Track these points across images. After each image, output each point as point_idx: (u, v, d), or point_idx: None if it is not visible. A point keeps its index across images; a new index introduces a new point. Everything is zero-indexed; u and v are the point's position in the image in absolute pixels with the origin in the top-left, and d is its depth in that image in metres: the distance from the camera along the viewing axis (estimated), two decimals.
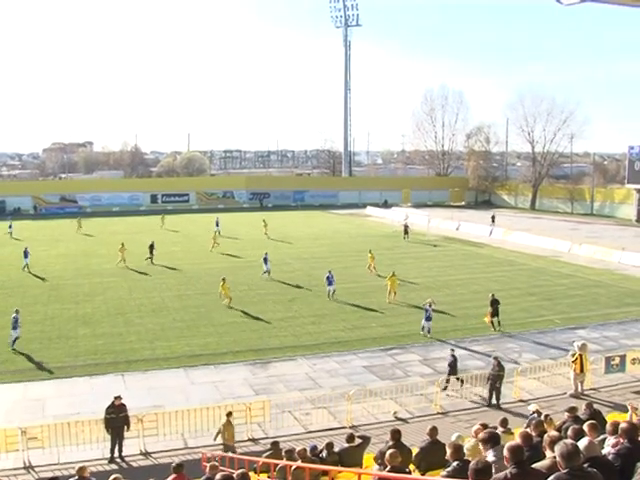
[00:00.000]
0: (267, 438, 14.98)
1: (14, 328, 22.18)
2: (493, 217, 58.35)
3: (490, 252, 44.45)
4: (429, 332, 23.60)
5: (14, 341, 22.15)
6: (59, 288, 31.93)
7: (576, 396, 17.76)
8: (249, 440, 15.48)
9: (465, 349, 22.28)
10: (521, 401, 17.57)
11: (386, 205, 75.70)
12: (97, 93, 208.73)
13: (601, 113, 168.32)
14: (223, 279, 28.94)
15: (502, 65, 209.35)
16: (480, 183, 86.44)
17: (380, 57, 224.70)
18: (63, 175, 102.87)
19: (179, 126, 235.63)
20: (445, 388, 17.89)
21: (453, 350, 19.08)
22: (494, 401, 17.51)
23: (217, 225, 50.41)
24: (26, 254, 36.41)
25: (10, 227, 50.45)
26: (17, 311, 22.97)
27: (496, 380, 17.45)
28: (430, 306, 23.74)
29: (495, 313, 24.53)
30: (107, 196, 75.19)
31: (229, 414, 14.50)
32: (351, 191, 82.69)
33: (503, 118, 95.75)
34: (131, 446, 14.99)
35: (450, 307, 27.90)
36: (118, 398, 14.89)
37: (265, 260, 34.29)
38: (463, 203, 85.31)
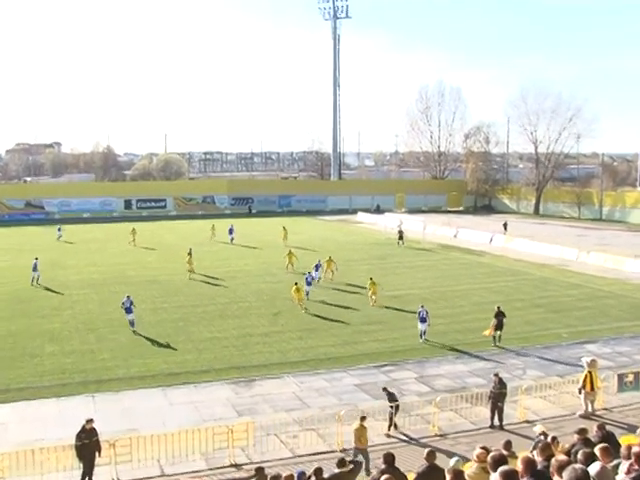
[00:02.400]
0: (251, 463, 14.82)
1: None
2: (505, 225, 58.37)
3: (491, 261, 44.57)
4: (423, 335, 24.56)
5: None
6: (24, 302, 31.64)
7: (586, 417, 17.67)
8: (231, 466, 15.32)
9: (465, 365, 22.35)
10: (526, 422, 17.50)
11: (378, 211, 75.99)
12: (66, 90, 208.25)
13: (611, 110, 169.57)
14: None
15: (503, 57, 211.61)
16: (480, 187, 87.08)
17: (371, 51, 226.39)
18: (28, 178, 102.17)
19: (155, 126, 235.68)
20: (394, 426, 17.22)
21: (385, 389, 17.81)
22: (496, 422, 17.43)
23: (230, 233, 51.09)
24: None
25: None
26: None
27: (498, 399, 17.35)
28: (423, 307, 24.84)
29: (499, 326, 24.58)
30: (77, 201, 74.84)
31: (363, 418, 15.22)
32: (341, 196, 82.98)
33: (504, 116, 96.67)
34: (102, 474, 14.70)
35: (448, 320, 27.88)
36: (89, 421, 14.65)
37: (317, 267, 35.40)
38: (461, 208, 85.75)
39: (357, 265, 41.14)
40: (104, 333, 26.11)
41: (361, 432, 15.07)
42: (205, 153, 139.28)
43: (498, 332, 24.60)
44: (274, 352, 23.66)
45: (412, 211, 74.58)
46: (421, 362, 22.66)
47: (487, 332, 24.63)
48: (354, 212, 76.76)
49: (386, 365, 22.29)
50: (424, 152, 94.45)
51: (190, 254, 38.33)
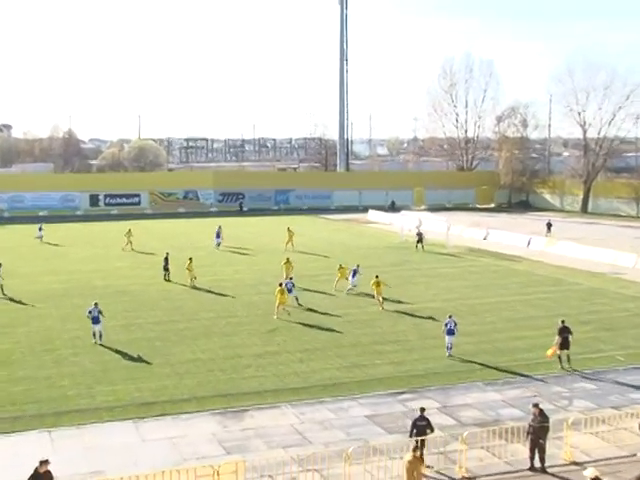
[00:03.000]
0: None
1: None
2: (549, 224, 58.35)
3: (529, 268, 44.51)
4: (449, 349, 25.57)
5: None
6: None
7: None
8: None
9: (497, 393, 22.26)
10: (574, 464, 17.41)
11: (393, 208, 76.06)
12: (18, 63, 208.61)
13: None
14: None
15: (544, 23, 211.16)
16: (515, 179, 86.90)
17: (385, 18, 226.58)
18: None
19: (127, 107, 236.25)
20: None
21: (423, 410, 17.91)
22: (537, 463, 17.35)
23: (218, 237, 50.87)
24: None
25: None
26: None
27: (539, 435, 17.21)
28: (451, 317, 25.80)
29: (565, 345, 24.64)
30: (31, 196, 75.07)
31: (415, 449, 15.50)
32: (349, 191, 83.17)
33: (545, 95, 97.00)
34: None
35: (477, 339, 27.90)
36: (44, 463, 14.52)
37: (354, 273, 36.36)
38: (493, 205, 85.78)
39: (368, 273, 40.80)
40: (65, 355, 26.00)
41: (415, 465, 15.07)
42: (187, 139, 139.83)
43: (565, 351, 24.66)
44: (269, 377, 23.62)
45: (434, 209, 74.62)
46: (445, 389, 22.55)
47: (550, 352, 24.66)
48: (364, 210, 76.82)
49: (403, 392, 22.23)
50: (448, 138, 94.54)
51: (191, 260, 38.76)
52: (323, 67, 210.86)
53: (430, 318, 31.16)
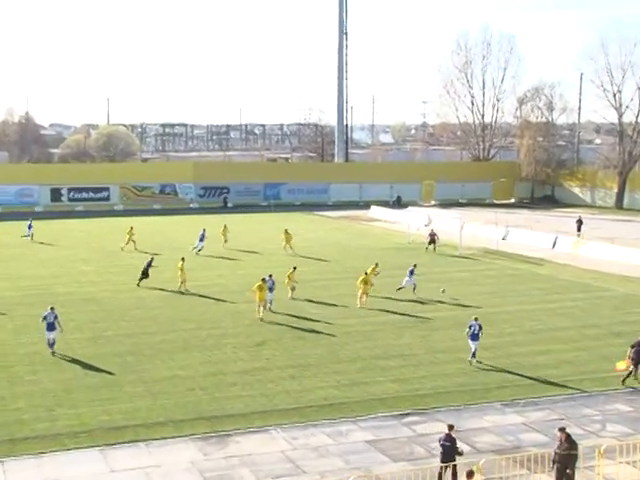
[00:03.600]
0: None
1: None
2: (580, 221, 58.37)
3: (553, 272, 44.60)
4: (474, 356, 26.36)
5: None
6: None
7: None
8: None
9: (518, 415, 22.25)
10: None
11: (399, 204, 76.30)
12: None
13: None
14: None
15: None
16: (539, 171, 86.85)
17: None
18: None
19: (94, 89, 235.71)
20: None
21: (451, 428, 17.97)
22: None
23: (201, 240, 50.13)
24: None
25: None
26: None
27: (566, 463, 17.12)
28: (477, 320, 26.66)
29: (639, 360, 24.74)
30: None
31: (470, 474, 15.47)
32: (348, 184, 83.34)
33: (575, 74, 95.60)
34: None
35: (494, 353, 27.99)
36: None
37: (411, 272, 37.92)
38: (513, 200, 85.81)
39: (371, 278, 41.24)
40: (20, 373, 25.89)
41: None
42: (163, 125, 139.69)
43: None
44: (256, 396, 23.61)
45: (445, 204, 74.76)
46: (458, 410, 22.54)
47: (622, 365, 24.79)
48: (366, 206, 77.00)
49: (409, 414, 22.26)
50: (462, 124, 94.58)
51: (183, 259, 39.05)
52: (319, 42, 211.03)
53: (440, 329, 31.21)
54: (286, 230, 51.57)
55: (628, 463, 18.68)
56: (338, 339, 29.84)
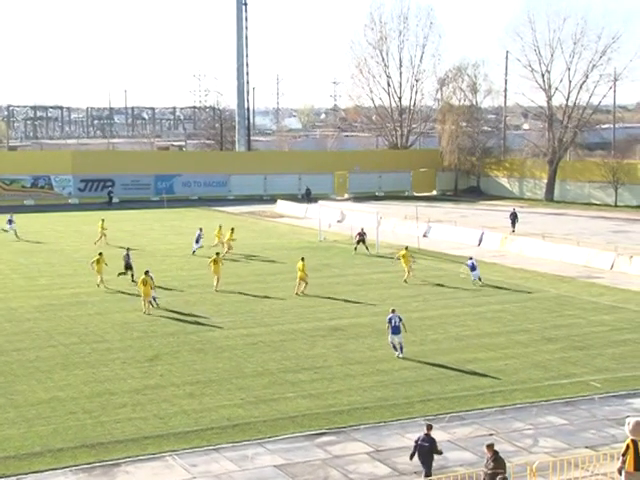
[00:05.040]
0: None
1: None
2: (514, 215, 57.62)
3: (481, 272, 44.06)
4: (400, 351, 28.04)
5: None
6: None
7: None
8: None
9: (444, 432, 21.84)
10: None
11: (309, 198, 76.30)
12: None
13: None
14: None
15: None
16: (462, 159, 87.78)
17: None
18: None
19: None
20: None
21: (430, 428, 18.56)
22: None
23: (197, 241, 48.91)
24: None
25: None
26: None
27: None
28: (394, 312, 27.87)
29: None
30: None
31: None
32: (251, 175, 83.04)
33: (500, 51, 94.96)
34: None
35: (416, 364, 27.87)
36: None
37: (473, 267, 39.87)
38: (434, 193, 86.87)
39: (276, 281, 41.39)
40: None
41: None
42: (34, 108, 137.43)
43: None
44: (149, 418, 23.15)
45: (360, 198, 75.24)
46: (377, 428, 22.36)
47: None
48: (272, 200, 77.17)
49: (323, 434, 22.04)
50: (378, 107, 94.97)
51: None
52: (217, 14, 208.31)
53: (356, 338, 31.00)
54: (220, 226, 51.58)
55: None
56: (242, 351, 29.48)
